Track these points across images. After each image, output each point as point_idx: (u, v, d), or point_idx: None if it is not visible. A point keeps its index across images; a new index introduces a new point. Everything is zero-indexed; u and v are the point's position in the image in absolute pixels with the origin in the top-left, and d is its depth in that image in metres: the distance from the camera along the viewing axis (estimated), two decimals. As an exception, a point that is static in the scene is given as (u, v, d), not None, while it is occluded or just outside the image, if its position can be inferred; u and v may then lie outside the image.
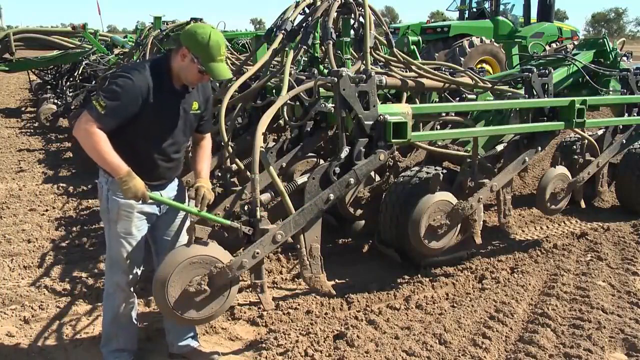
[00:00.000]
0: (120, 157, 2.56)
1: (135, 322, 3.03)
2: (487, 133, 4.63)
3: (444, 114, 4.68)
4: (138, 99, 2.58)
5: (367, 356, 3.09)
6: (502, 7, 14.33)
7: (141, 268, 2.92)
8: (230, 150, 3.98)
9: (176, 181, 2.97)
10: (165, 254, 2.77)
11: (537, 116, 4.33)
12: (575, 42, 10.64)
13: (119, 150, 2.58)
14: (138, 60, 2.63)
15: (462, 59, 11.81)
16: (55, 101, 10.52)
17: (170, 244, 2.91)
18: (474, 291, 3.94)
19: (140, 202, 2.66)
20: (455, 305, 3.72)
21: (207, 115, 2.97)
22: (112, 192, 2.73)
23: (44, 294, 3.88)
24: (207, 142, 3.05)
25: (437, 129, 5.16)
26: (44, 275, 4.17)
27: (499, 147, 4.50)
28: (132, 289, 2.91)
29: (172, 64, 2.69)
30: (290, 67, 3.88)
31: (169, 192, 2.88)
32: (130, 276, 2.86)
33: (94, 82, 9.01)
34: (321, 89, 3.83)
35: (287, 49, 4.36)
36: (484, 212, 4.45)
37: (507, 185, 4.23)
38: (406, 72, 4.58)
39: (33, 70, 13.83)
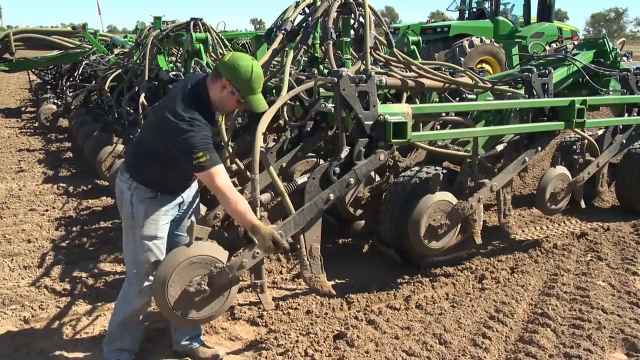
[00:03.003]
0: (158, 177, 2.76)
1: (143, 325, 3.06)
2: (487, 133, 4.63)
3: (444, 114, 4.68)
4: (207, 129, 2.65)
5: (367, 356, 3.09)
6: (502, 7, 14.34)
7: None
8: (230, 150, 3.98)
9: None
10: None
11: (537, 116, 4.33)
12: (575, 42, 10.65)
13: (159, 173, 2.75)
14: (170, 95, 2.66)
15: (462, 59, 11.81)
16: (55, 101, 10.53)
17: (181, 240, 2.96)
18: (474, 291, 3.94)
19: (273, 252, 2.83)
20: (455, 305, 3.72)
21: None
22: (137, 198, 2.77)
23: (44, 294, 3.88)
24: None
25: (437, 129, 5.16)
26: (44, 275, 4.17)
27: (499, 147, 4.50)
28: (149, 297, 2.91)
29: (211, 94, 2.73)
30: (290, 67, 3.88)
31: (192, 189, 3.01)
32: (148, 283, 2.86)
33: (94, 82, 9.00)
34: (321, 89, 3.83)
35: (287, 49, 4.36)
36: (484, 212, 4.45)
37: (507, 185, 4.23)
38: (406, 72, 4.58)
39: (33, 70, 13.84)
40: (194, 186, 3.05)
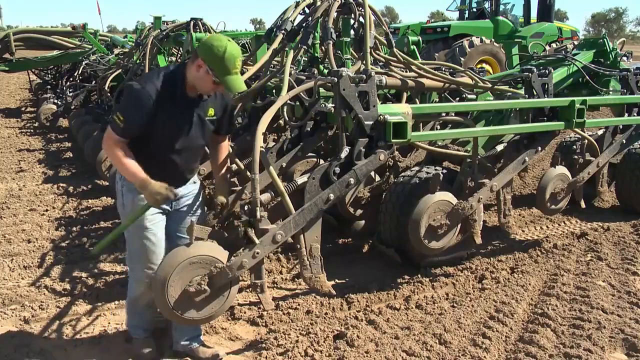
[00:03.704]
0: (141, 162, 2.71)
1: (151, 309, 3.10)
2: (487, 133, 4.63)
3: (444, 114, 4.68)
4: (150, 106, 2.67)
5: (367, 356, 3.09)
6: (502, 7, 14.33)
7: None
8: (230, 150, 3.98)
9: (195, 178, 3.10)
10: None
11: (537, 116, 4.33)
12: (575, 42, 10.64)
13: (140, 156, 2.73)
14: (155, 68, 2.90)
15: (462, 59, 11.80)
16: (55, 101, 10.52)
17: (183, 241, 2.95)
18: (474, 291, 3.94)
19: (170, 201, 2.79)
20: (455, 305, 3.72)
21: (225, 119, 3.04)
22: (126, 188, 2.86)
23: (44, 294, 3.88)
24: (225, 146, 3.14)
25: (437, 129, 5.16)
26: (44, 275, 4.17)
27: (499, 147, 4.50)
28: (148, 286, 2.96)
29: (187, 73, 2.75)
30: (290, 67, 3.88)
31: (188, 187, 3.00)
32: (149, 270, 2.90)
33: (94, 82, 9.01)
34: (321, 89, 3.83)
35: (287, 49, 4.36)
36: (484, 212, 4.45)
37: (507, 185, 4.23)
38: (406, 72, 4.57)
39: (33, 70, 13.84)
40: (193, 186, 3.05)
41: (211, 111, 2.89)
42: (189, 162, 2.93)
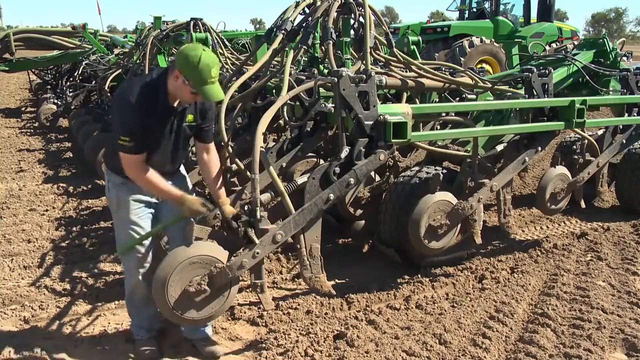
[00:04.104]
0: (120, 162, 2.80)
1: (150, 307, 3.10)
2: (487, 133, 4.63)
3: (444, 114, 4.68)
4: (141, 116, 2.72)
5: (367, 356, 3.09)
6: (502, 7, 14.32)
7: (150, 255, 3.03)
8: (230, 150, 3.98)
9: (182, 169, 3.19)
10: (174, 243, 2.89)
11: (537, 116, 4.33)
12: (575, 42, 10.64)
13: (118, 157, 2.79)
14: (137, 77, 3.02)
15: (462, 59, 11.81)
16: (55, 101, 10.52)
17: (179, 229, 3.03)
18: (474, 291, 3.94)
19: (204, 213, 2.89)
20: (455, 305, 3.72)
21: (206, 125, 3.03)
22: (111, 183, 2.99)
23: (44, 294, 3.88)
24: (212, 154, 3.11)
25: (437, 129, 5.16)
26: (44, 275, 4.17)
27: (499, 147, 4.50)
28: (140, 277, 3.02)
29: (168, 83, 2.77)
30: (290, 67, 3.88)
31: (175, 180, 3.06)
32: (137, 262, 3.00)
33: (93, 82, 9.00)
34: (321, 89, 3.83)
35: (287, 49, 4.36)
36: (484, 212, 4.45)
37: (507, 185, 4.23)
38: (406, 72, 4.58)
39: (33, 70, 13.83)
40: (179, 174, 3.11)
41: (190, 117, 2.92)
42: (174, 162, 3.02)
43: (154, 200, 3.01)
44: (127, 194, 2.92)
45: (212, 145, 3.10)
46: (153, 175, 2.79)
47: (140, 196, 2.95)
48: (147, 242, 2.99)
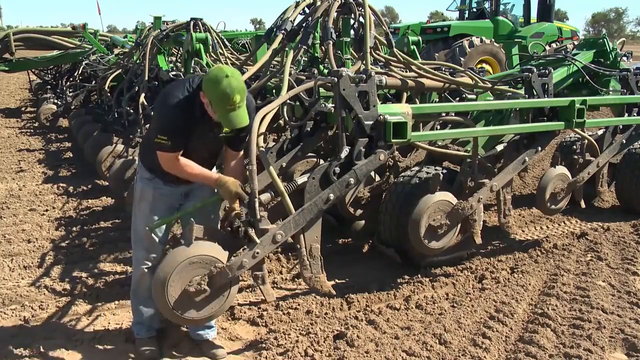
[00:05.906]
0: (153, 160, 2.92)
1: (153, 302, 3.08)
2: (487, 133, 4.63)
3: (444, 114, 4.68)
4: (182, 119, 2.79)
5: (367, 356, 3.09)
6: (502, 7, 14.34)
7: (159, 248, 3.09)
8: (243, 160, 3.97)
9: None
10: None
11: (537, 116, 4.33)
12: (575, 42, 10.64)
13: (152, 155, 2.91)
14: (182, 79, 3.27)
15: (462, 59, 11.81)
16: (55, 101, 10.52)
17: (203, 214, 3.05)
18: (474, 291, 3.94)
19: (242, 196, 2.88)
20: (455, 305, 3.72)
21: (243, 134, 3.00)
22: (139, 176, 3.11)
23: (44, 294, 3.88)
24: (239, 163, 3.10)
25: (437, 129, 5.16)
26: (44, 275, 4.17)
27: (499, 147, 4.50)
28: (147, 269, 3.07)
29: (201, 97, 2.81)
30: (290, 67, 3.88)
31: (203, 189, 3.11)
32: (150, 254, 3.06)
33: (93, 82, 9.00)
34: (321, 89, 3.83)
35: (287, 49, 4.36)
36: (484, 212, 4.45)
37: (507, 185, 4.23)
38: (406, 72, 4.57)
39: (33, 70, 13.84)
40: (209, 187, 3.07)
41: (226, 128, 2.92)
42: (205, 161, 3.04)
43: (176, 204, 3.10)
44: (151, 190, 3.03)
45: (241, 153, 3.10)
46: (187, 162, 2.87)
47: (164, 194, 3.04)
48: (160, 234, 3.06)
